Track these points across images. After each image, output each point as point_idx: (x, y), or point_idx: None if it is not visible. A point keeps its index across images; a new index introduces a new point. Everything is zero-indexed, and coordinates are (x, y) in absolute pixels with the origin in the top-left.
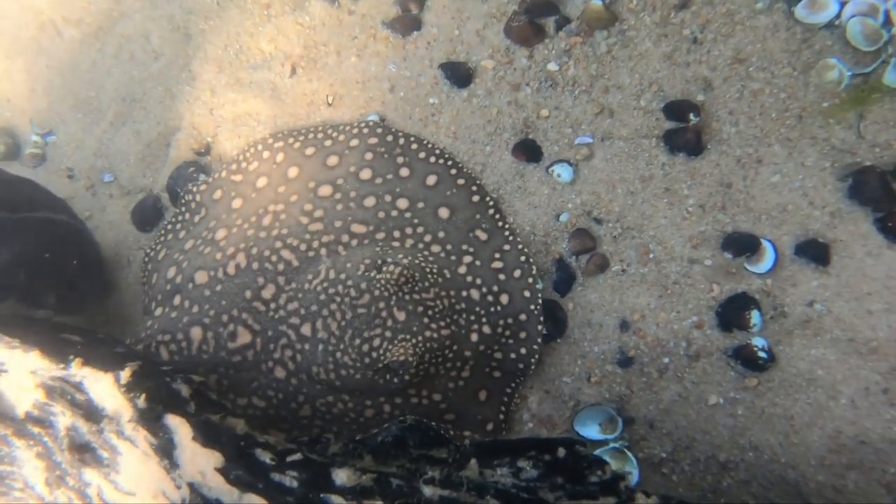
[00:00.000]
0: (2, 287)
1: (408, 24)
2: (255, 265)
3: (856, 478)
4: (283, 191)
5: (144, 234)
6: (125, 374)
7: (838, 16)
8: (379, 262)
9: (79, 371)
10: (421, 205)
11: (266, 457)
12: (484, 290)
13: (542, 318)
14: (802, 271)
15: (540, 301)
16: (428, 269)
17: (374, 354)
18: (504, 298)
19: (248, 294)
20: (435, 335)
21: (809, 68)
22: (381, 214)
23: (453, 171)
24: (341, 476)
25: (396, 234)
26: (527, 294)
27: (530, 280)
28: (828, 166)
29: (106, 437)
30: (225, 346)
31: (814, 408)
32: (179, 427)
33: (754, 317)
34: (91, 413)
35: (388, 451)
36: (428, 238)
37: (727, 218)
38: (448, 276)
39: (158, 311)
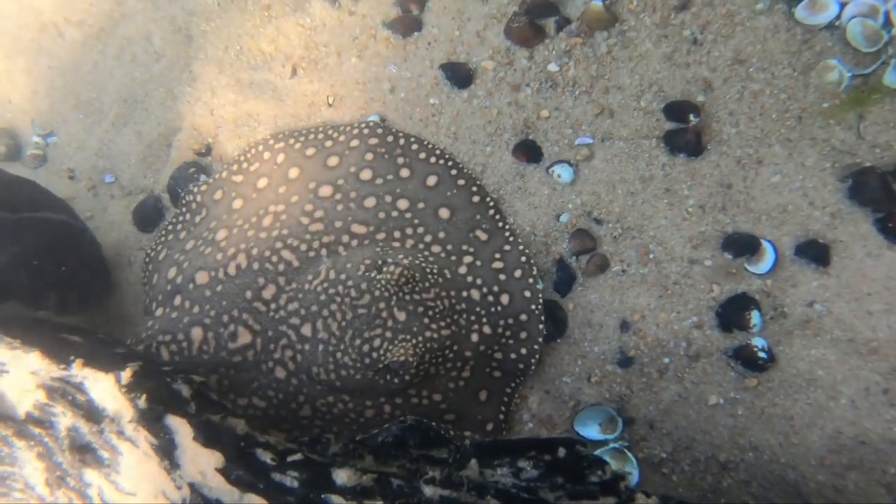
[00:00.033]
0: (3, 287)
1: (408, 24)
2: (256, 265)
3: (856, 478)
4: (284, 191)
5: (145, 234)
6: (126, 375)
7: (838, 17)
8: (379, 262)
9: (79, 371)
10: (421, 205)
11: (267, 457)
12: (484, 290)
13: (542, 318)
14: (802, 272)
15: (541, 301)
16: (428, 270)
17: (375, 355)
18: (504, 298)
19: (248, 294)
20: (435, 335)
21: (810, 69)
22: (382, 215)
23: (454, 172)
24: (342, 476)
25: (397, 234)
26: (527, 294)
27: (531, 280)
28: (828, 167)
29: (107, 437)
30: (225, 346)
31: (814, 408)
32: (180, 427)
33: (754, 317)
34: (92, 413)
35: (388, 452)
36: (428, 238)
37: (727, 218)
38: (448, 276)
39: (159, 312)
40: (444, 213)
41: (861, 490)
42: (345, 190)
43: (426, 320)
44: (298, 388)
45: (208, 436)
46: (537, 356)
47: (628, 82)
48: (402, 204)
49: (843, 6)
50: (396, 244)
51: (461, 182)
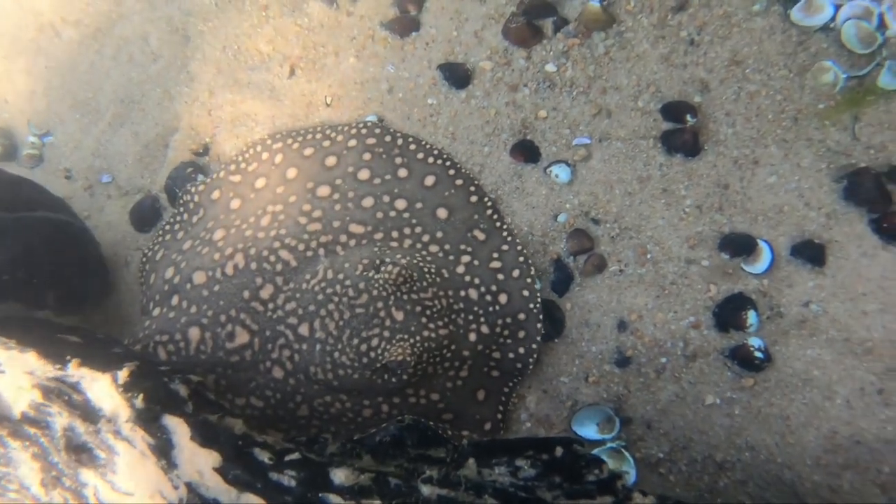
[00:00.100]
0: (1, 287)
1: (406, 25)
2: (254, 265)
3: (851, 478)
4: (282, 191)
5: (142, 234)
6: (123, 375)
7: (833, 19)
8: (377, 262)
9: (76, 371)
10: (419, 205)
11: (264, 456)
12: (482, 289)
13: (540, 318)
14: (798, 272)
15: (539, 301)
16: (426, 269)
17: (372, 354)
18: (503, 298)
19: (246, 294)
20: (433, 335)
21: (805, 70)
22: (380, 215)
23: (451, 172)
24: (339, 475)
25: (395, 234)
26: (525, 294)
27: (529, 280)
28: (823, 167)
29: (103, 437)
30: (223, 346)
31: (810, 408)
32: (177, 427)
33: (751, 317)
34: (88, 413)
35: (386, 451)
36: (426, 238)
37: (724, 218)
38: (446, 275)
39: (156, 312)
40: (441, 212)
41: (856, 490)
42: (343, 190)
43: (424, 320)
44: (296, 388)
45: (206, 435)
46: (535, 356)
47: (626, 83)
48: (400, 204)
49: (837, 8)
50: (394, 244)
51: (459, 182)
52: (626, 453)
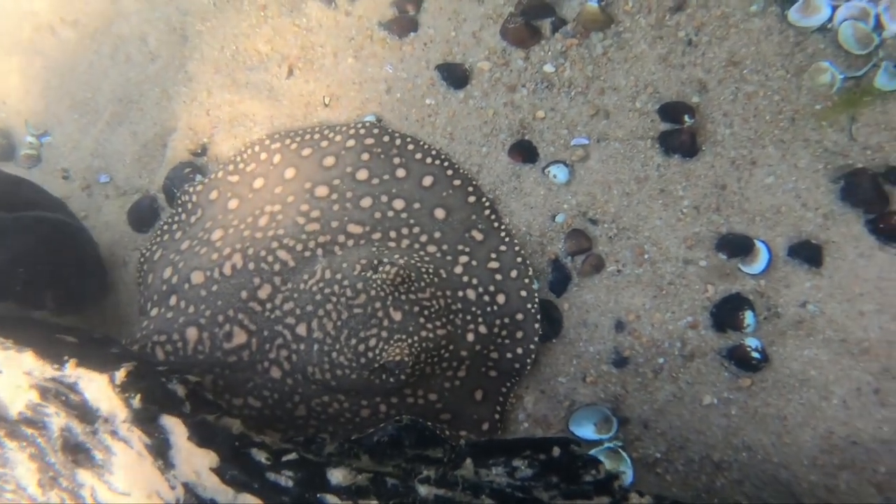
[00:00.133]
0: None
1: (404, 25)
2: (252, 265)
3: (847, 478)
4: (280, 191)
5: (140, 234)
6: (120, 375)
7: (830, 19)
8: (375, 262)
9: (73, 372)
10: (417, 205)
11: (261, 456)
12: (480, 290)
13: (538, 318)
14: (795, 272)
15: (536, 301)
16: (424, 270)
17: (370, 354)
18: (500, 298)
19: (244, 294)
20: (431, 335)
21: (802, 71)
22: (378, 215)
23: (449, 172)
24: (337, 476)
25: (392, 234)
26: (523, 294)
27: (526, 280)
28: (820, 168)
29: (100, 437)
30: (221, 346)
31: (806, 408)
32: (175, 427)
33: (748, 317)
34: (85, 414)
35: (383, 451)
36: (424, 238)
37: (721, 219)
38: (444, 276)
39: (154, 312)
40: (439, 213)
41: (852, 490)
42: (341, 190)
43: (422, 320)
44: (294, 388)
45: (203, 436)
46: (533, 356)
47: (624, 83)
48: (398, 204)
49: (834, 9)
50: (392, 244)
51: (457, 182)
52: (624, 453)
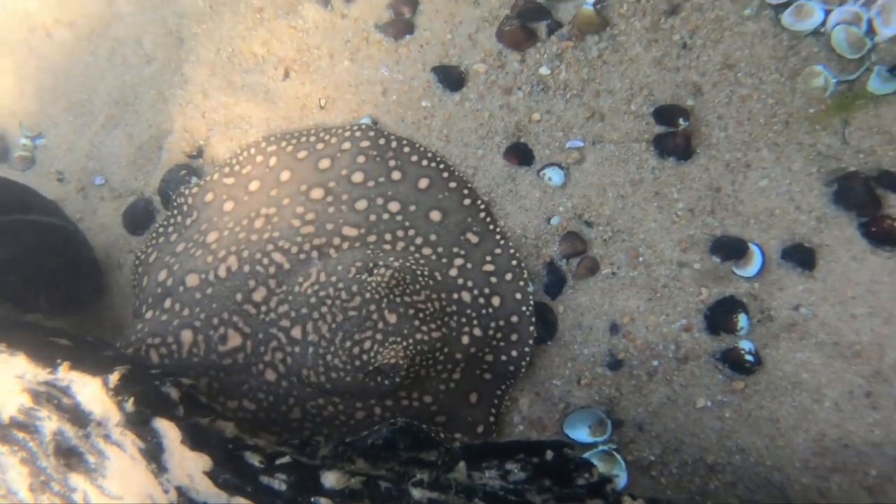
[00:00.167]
0: None
1: (400, 27)
2: (246, 268)
3: (839, 480)
4: (275, 194)
5: (136, 236)
6: (113, 378)
7: (823, 23)
8: (370, 264)
9: (66, 375)
10: (412, 208)
11: (255, 460)
12: (475, 292)
13: (533, 321)
14: (789, 275)
15: (531, 303)
16: (419, 272)
17: (365, 357)
18: (495, 301)
19: (238, 297)
20: (426, 338)
21: (796, 74)
22: (373, 217)
23: (445, 175)
24: (330, 479)
25: (388, 237)
26: (518, 296)
27: (521, 283)
28: (814, 171)
29: (93, 441)
30: (215, 349)
31: (799, 411)
32: (168, 431)
33: (741, 320)
34: (78, 417)
35: (378, 454)
36: (419, 241)
37: (716, 222)
38: (439, 278)
39: (149, 315)
40: (435, 215)
41: (844, 492)
42: (336, 192)
43: (417, 322)
44: (289, 391)
45: (196, 439)
46: (528, 358)
47: (619, 86)
48: (394, 206)
49: (827, 13)
50: (387, 247)
51: (452, 185)
52: (618, 456)
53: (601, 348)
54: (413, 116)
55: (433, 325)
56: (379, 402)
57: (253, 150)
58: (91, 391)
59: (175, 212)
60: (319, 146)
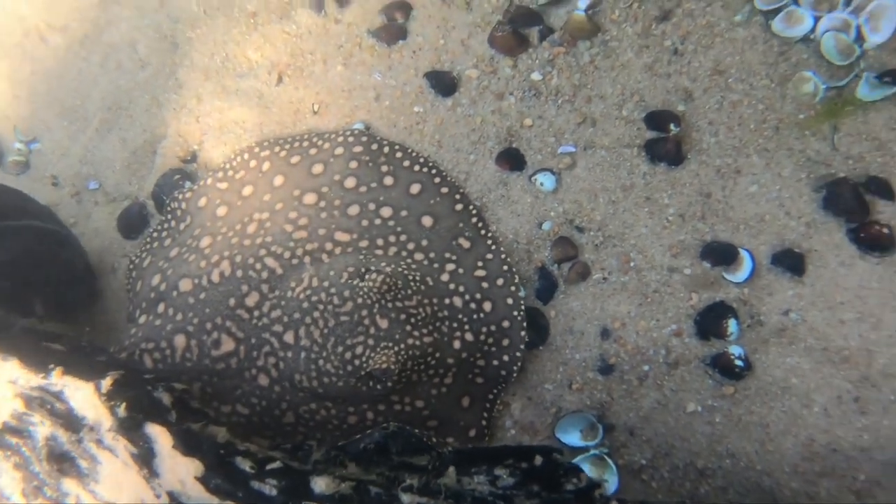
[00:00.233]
0: None
1: (393, 33)
2: (240, 273)
3: (828, 485)
4: (269, 199)
5: (130, 241)
6: (106, 383)
7: (813, 30)
8: (362, 269)
9: (59, 380)
10: (404, 213)
11: (246, 465)
12: (467, 297)
13: (524, 326)
14: (778, 280)
15: (523, 308)
16: (411, 277)
17: (357, 362)
18: (487, 306)
19: (231, 302)
20: (417, 342)
21: (786, 80)
22: (365, 223)
23: (437, 180)
24: (320, 484)
25: (380, 242)
26: (509, 301)
27: (513, 288)
28: (803, 177)
29: (86, 446)
30: (209, 353)
31: (788, 416)
32: (160, 436)
33: (731, 325)
34: (71, 422)
35: (370, 458)
36: (411, 246)
37: (706, 227)
38: (431, 283)
39: (142, 319)
40: (427, 220)
41: (833, 497)
42: (329, 198)
43: (408, 328)
44: (281, 395)
45: (188, 444)
46: (519, 363)
47: (610, 91)
48: (386, 212)
49: (817, 20)
50: (379, 252)
51: (444, 190)
52: (609, 460)
53: (592, 353)
54: (405, 122)
55: (425, 331)
56: (371, 406)
57: (246, 155)
58: (84, 396)
59: (169, 216)
60: (312, 151)
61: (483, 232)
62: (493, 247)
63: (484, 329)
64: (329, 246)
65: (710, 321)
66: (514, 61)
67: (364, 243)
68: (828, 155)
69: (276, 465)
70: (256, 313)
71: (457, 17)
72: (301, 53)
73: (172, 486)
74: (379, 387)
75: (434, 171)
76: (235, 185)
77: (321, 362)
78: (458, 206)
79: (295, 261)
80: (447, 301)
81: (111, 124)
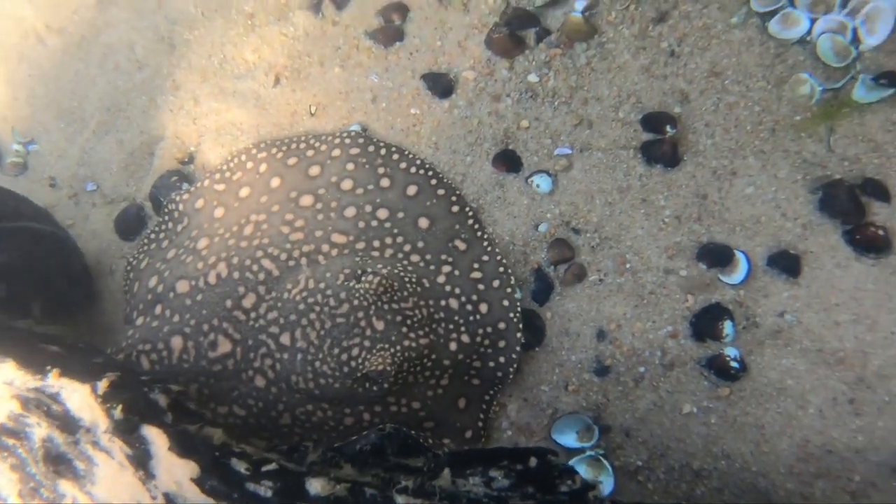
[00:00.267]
0: None
1: (390, 34)
2: (236, 274)
3: (823, 486)
4: (265, 200)
5: (127, 242)
6: (102, 385)
7: (809, 32)
8: (358, 271)
9: (56, 382)
10: (401, 215)
11: (241, 466)
12: (463, 299)
13: (520, 327)
14: (774, 282)
15: (519, 310)
16: (407, 279)
17: (353, 364)
18: (483, 307)
19: (228, 303)
20: (413, 344)
21: (782, 82)
22: (362, 224)
23: (434, 182)
24: (315, 486)
25: (376, 243)
26: (505, 303)
27: (509, 290)
28: (799, 179)
29: (82, 448)
30: (205, 355)
31: (784, 417)
32: (156, 438)
33: (727, 327)
34: (67, 424)
35: (366, 459)
36: (407, 248)
37: (702, 229)
38: (427, 285)
39: (139, 321)
40: (423, 222)
41: (828, 498)
42: (325, 199)
43: (404, 329)
44: (278, 397)
45: (184, 446)
46: (515, 364)
47: (607, 93)
48: (382, 213)
49: (813, 22)
50: (376, 254)
51: (441, 192)
52: (605, 461)
53: (588, 354)
54: (402, 123)
55: (421, 332)
56: (367, 407)
57: (244, 157)
58: (80, 398)
59: (166, 218)
60: (309, 153)
61: (479, 234)
62: (490, 248)
63: (480, 331)
64: (325, 248)
65: (706, 323)
66: (510, 63)
67: (361, 245)
68: (824, 157)
69: (271, 466)
70: (253, 315)
71: (453, 18)
72: (298, 55)
73: (168, 488)
74: (375, 388)
75: (431, 173)
76: (232, 186)
77: (318, 364)
78: (455, 208)
79: (291, 262)
80: (443, 303)
81: (109, 126)
